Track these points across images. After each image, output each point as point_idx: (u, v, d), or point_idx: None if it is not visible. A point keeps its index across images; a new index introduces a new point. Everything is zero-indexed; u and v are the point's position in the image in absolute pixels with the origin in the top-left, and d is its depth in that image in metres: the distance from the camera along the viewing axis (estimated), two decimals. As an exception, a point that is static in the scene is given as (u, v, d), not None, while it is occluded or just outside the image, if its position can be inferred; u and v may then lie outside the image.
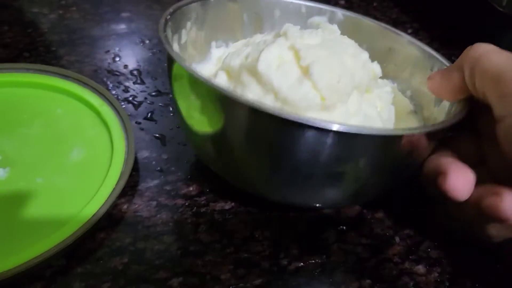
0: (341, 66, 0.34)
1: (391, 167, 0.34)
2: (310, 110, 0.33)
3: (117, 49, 0.58)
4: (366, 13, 0.67)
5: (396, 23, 0.65)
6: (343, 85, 0.33)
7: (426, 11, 0.67)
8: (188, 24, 0.41)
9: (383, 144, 0.31)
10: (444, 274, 0.38)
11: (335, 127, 0.28)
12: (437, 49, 0.60)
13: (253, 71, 0.34)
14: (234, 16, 0.46)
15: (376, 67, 0.39)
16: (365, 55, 0.37)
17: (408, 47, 0.44)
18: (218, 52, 0.46)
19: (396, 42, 0.45)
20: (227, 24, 0.46)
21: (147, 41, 0.59)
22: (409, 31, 0.63)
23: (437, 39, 0.62)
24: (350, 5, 0.68)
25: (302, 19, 0.48)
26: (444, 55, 0.59)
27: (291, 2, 0.47)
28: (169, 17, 0.37)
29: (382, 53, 0.46)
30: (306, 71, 0.33)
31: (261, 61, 0.34)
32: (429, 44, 0.61)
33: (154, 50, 0.58)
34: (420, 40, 0.62)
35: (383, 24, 0.46)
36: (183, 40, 0.41)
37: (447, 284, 0.37)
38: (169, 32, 0.37)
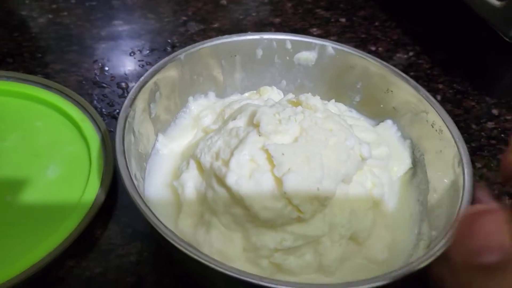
0: (320, 169, 0.30)
1: None
2: (285, 224, 0.31)
3: (106, 59, 0.56)
4: (367, 33, 0.65)
5: (398, 45, 0.63)
6: (324, 191, 0.30)
7: (429, 34, 0.65)
8: (157, 94, 0.38)
9: None
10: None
11: None
12: (437, 76, 0.59)
13: (223, 182, 0.31)
14: (209, 64, 0.43)
15: (364, 151, 0.33)
16: (350, 141, 0.33)
17: (404, 91, 0.41)
18: (196, 106, 0.43)
19: (393, 84, 0.42)
20: (204, 74, 0.43)
21: (138, 52, 0.57)
22: (411, 54, 0.61)
23: (438, 64, 0.59)
24: (351, 24, 0.66)
25: (289, 55, 0.45)
26: (444, 82, 0.58)
27: (275, 39, 0.44)
28: (130, 110, 0.34)
29: (380, 92, 0.43)
30: (280, 183, 0.30)
31: (230, 173, 0.30)
32: (430, 69, 0.60)
33: (143, 62, 0.56)
34: (421, 64, 0.60)
35: (379, 61, 0.42)
36: (153, 114, 0.39)
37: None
38: (134, 116, 0.35)
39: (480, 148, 0.50)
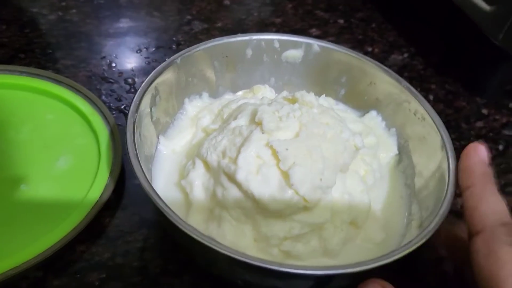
0: (322, 160, 0.33)
1: None
2: (292, 214, 0.33)
3: (113, 55, 0.58)
4: (364, 34, 0.68)
5: (393, 47, 0.65)
6: (326, 181, 0.33)
7: (424, 36, 0.67)
8: (157, 98, 0.41)
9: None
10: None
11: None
12: (430, 76, 0.61)
13: (232, 177, 0.33)
14: (203, 66, 0.45)
15: (358, 141, 0.36)
16: (345, 133, 0.36)
17: (387, 83, 0.43)
18: (192, 108, 0.45)
19: (375, 76, 0.44)
20: (198, 76, 0.45)
21: (144, 49, 0.59)
22: (405, 55, 0.63)
23: (432, 65, 0.62)
24: (349, 25, 0.69)
25: (277, 54, 0.47)
26: (436, 82, 0.60)
27: (263, 39, 0.46)
28: (136, 116, 0.36)
29: (364, 85, 0.45)
30: (286, 176, 0.32)
31: (239, 170, 0.32)
32: (423, 70, 0.62)
33: (150, 59, 0.58)
34: (415, 65, 0.63)
35: (360, 56, 0.45)
36: (154, 118, 0.41)
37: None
38: (139, 121, 0.37)
39: (469, 146, 0.52)
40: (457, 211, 0.45)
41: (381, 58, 0.63)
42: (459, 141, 0.53)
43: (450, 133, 0.38)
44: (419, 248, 0.30)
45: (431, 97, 0.58)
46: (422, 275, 0.40)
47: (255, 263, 0.27)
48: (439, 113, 0.39)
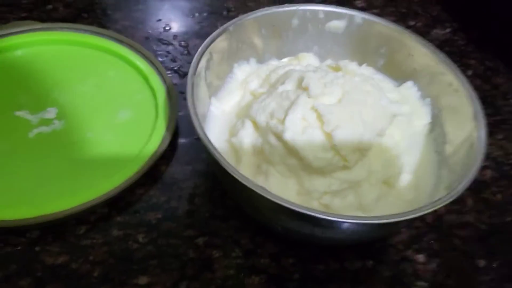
0: (362, 124, 0.36)
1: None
2: (333, 171, 0.37)
3: (169, 18, 0.62)
4: (408, 8, 0.69)
5: (436, 21, 0.66)
6: (365, 143, 0.36)
7: (468, 12, 0.68)
8: (211, 62, 0.44)
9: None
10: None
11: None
12: (471, 52, 0.63)
13: (279, 136, 0.36)
14: (252, 33, 0.48)
15: (394, 109, 0.39)
16: (384, 100, 0.39)
17: (424, 56, 0.45)
18: (240, 72, 0.48)
19: (413, 48, 0.46)
20: (247, 43, 0.48)
21: (197, 14, 0.63)
22: (448, 30, 0.65)
23: (473, 41, 0.63)
24: (394, -2, 0.70)
25: (321, 24, 0.49)
26: (476, 58, 0.62)
27: (308, 10, 0.48)
28: (194, 78, 0.40)
29: (402, 56, 0.48)
30: (329, 137, 0.36)
31: (286, 130, 0.36)
32: (464, 46, 0.64)
33: (203, 24, 0.62)
34: (456, 41, 0.64)
35: (401, 28, 0.47)
36: (208, 80, 0.44)
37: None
38: (196, 83, 0.40)
39: (503, 121, 0.54)
40: (483, 181, 0.48)
41: (423, 33, 0.65)
42: (494, 116, 0.55)
43: (485, 108, 0.40)
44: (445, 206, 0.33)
45: (469, 73, 0.60)
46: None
47: (301, 210, 0.31)
48: (476, 88, 0.41)
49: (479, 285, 0.41)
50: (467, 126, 0.40)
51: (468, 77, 0.42)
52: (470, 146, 0.38)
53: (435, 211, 0.32)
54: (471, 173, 0.35)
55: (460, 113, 0.41)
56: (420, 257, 0.42)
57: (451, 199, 0.33)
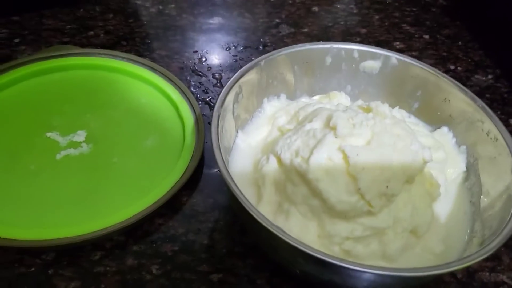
0: (390, 169, 0.35)
1: None
2: (356, 216, 0.35)
3: (205, 50, 0.63)
4: (449, 51, 0.68)
5: (478, 66, 0.65)
6: (392, 189, 0.35)
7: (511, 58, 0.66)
8: (240, 96, 0.43)
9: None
10: None
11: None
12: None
13: (303, 175, 0.35)
14: (284, 69, 0.47)
15: (426, 155, 0.37)
16: (415, 145, 0.37)
17: (462, 101, 0.44)
18: (270, 107, 0.48)
19: (450, 93, 0.45)
20: (278, 78, 0.48)
21: (233, 47, 0.63)
22: (490, 76, 0.63)
23: (518, 90, 0.61)
24: (434, 41, 0.69)
25: (355, 63, 0.48)
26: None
27: (343, 48, 0.48)
28: (221, 110, 0.39)
29: (438, 100, 0.46)
30: (355, 180, 0.34)
31: (311, 170, 0.34)
32: (507, 93, 0.61)
33: (237, 57, 0.62)
34: (499, 88, 0.62)
35: (437, 72, 0.45)
36: (235, 113, 0.43)
37: None
38: (222, 115, 0.40)
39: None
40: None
41: (464, 78, 0.63)
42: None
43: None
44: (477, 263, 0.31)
45: (511, 122, 0.57)
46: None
47: (319, 256, 0.29)
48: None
49: None
50: (505, 178, 0.38)
51: (509, 126, 0.40)
52: (508, 199, 0.36)
53: (466, 267, 0.30)
54: (508, 229, 0.33)
55: (498, 163, 0.39)
56: None
57: (484, 256, 0.31)
